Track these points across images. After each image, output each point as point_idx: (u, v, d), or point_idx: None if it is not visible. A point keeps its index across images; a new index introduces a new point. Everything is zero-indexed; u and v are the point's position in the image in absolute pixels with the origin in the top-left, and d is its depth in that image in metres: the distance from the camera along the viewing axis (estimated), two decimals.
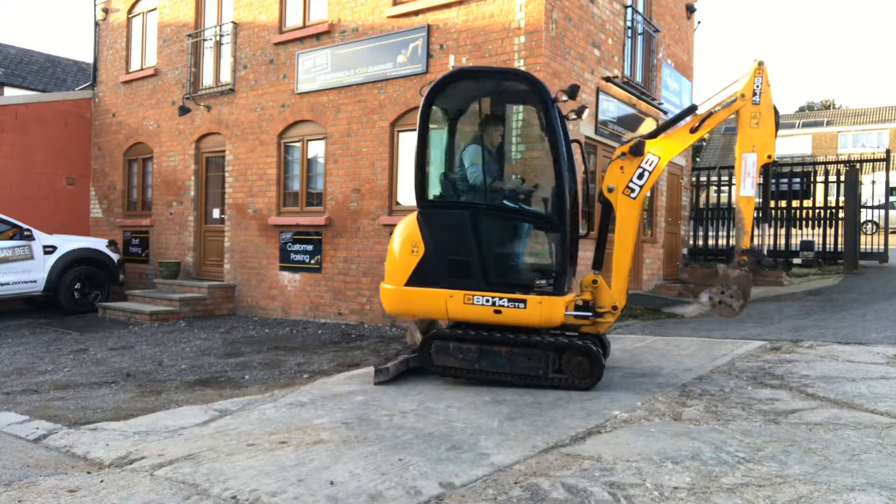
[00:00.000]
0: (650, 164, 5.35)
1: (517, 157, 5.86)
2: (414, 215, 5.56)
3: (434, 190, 5.66)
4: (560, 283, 5.24)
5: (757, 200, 5.51)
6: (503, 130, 5.96)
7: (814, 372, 5.45)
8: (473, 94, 5.86)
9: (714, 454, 3.61)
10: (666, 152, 5.45)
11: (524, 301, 5.16)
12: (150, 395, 5.97)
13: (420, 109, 5.52)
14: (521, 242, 5.66)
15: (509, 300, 5.18)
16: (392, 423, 4.42)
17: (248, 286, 11.55)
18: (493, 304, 5.20)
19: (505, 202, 5.60)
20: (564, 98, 5.38)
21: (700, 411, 4.47)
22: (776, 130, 5.57)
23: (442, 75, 5.64)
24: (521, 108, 5.88)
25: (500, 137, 5.96)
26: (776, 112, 5.55)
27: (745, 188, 5.45)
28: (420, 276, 5.39)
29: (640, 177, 5.36)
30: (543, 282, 5.22)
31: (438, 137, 5.82)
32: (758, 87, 5.45)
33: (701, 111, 5.51)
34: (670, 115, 12.57)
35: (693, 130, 5.53)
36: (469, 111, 6.00)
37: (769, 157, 5.53)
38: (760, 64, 5.49)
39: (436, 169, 5.78)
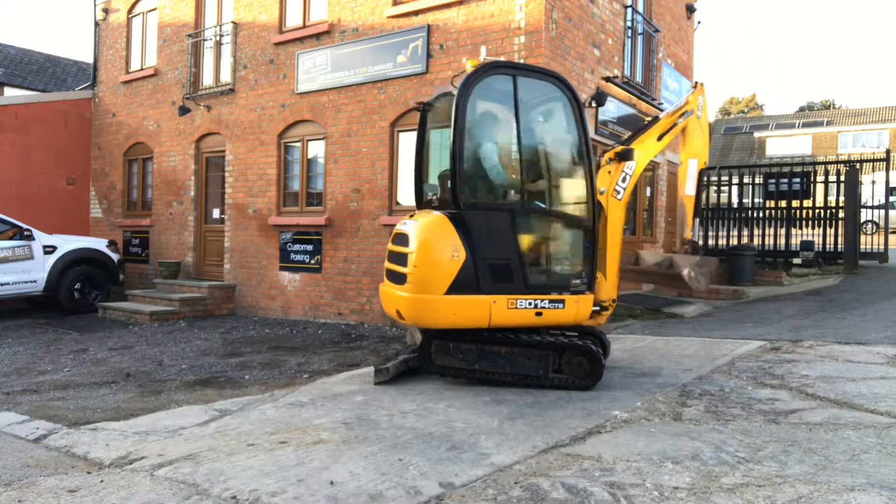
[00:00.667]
0: (630, 169, 5.82)
1: (544, 157, 5.78)
2: (440, 217, 5.20)
3: (475, 190, 5.36)
4: (592, 281, 5.43)
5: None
6: (529, 129, 5.79)
7: (814, 372, 5.45)
8: (505, 89, 5.52)
9: (714, 454, 3.61)
10: (642, 158, 5.98)
11: (563, 301, 5.28)
12: (150, 395, 5.97)
13: (456, 101, 5.19)
14: (559, 243, 5.69)
15: (550, 301, 5.25)
16: (392, 423, 4.42)
17: (248, 286, 11.56)
18: (536, 306, 5.21)
19: (538, 203, 5.59)
20: (593, 104, 5.70)
21: (700, 411, 4.47)
22: (709, 141, 6.77)
23: (478, 65, 5.33)
24: (550, 108, 5.74)
25: (527, 137, 5.85)
26: (710, 126, 6.77)
27: (689, 188, 6.55)
28: (462, 283, 5.04)
29: (624, 180, 5.80)
30: (578, 281, 5.40)
31: (469, 134, 5.40)
32: (700, 104, 6.52)
33: (662, 122, 6.28)
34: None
35: (659, 138, 6.26)
36: (496, 107, 5.72)
37: (705, 162, 6.71)
38: (701, 85, 6.63)
39: (471, 168, 5.42)
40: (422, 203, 5.92)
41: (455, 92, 5.50)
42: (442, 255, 5.06)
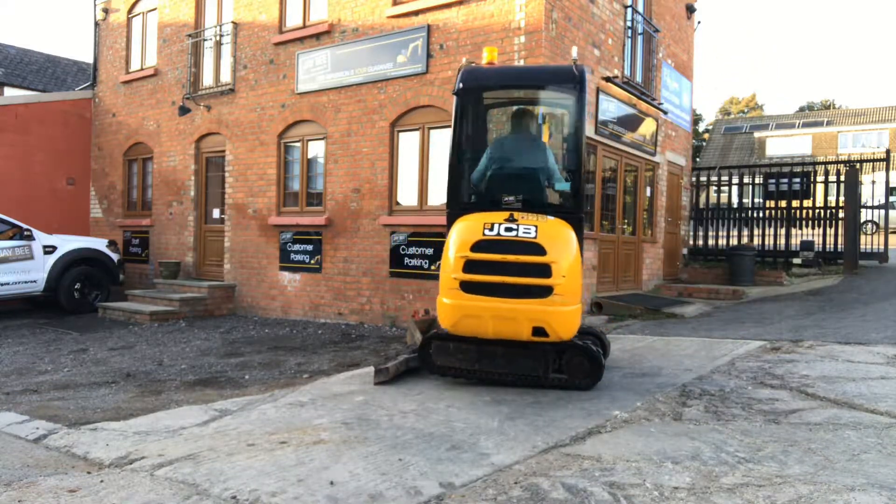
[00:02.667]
0: None
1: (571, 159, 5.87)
2: (561, 222, 5.04)
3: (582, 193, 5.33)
4: None
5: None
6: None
7: (814, 372, 5.45)
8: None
9: (714, 454, 3.60)
10: None
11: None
12: (150, 395, 5.97)
13: (577, 98, 5.22)
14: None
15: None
16: (392, 423, 4.42)
17: (248, 286, 11.55)
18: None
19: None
20: None
21: (700, 411, 4.47)
22: None
23: (576, 63, 5.36)
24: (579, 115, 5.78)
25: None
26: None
27: None
28: (581, 290, 5.16)
29: None
30: None
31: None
32: None
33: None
34: (670, 115, 12.61)
35: None
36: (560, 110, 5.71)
37: None
38: None
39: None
40: (457, 203, 5.44)
41: (451, 87, 5.55)
42: (579, 262, 4.97)
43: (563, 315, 4.81)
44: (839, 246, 13.11)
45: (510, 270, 4.84)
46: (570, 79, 5.29)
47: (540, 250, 4.79)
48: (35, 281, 11.23)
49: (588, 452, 3.71)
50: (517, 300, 4.84)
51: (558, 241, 4.88)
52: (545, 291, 4.79)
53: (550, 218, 5.02)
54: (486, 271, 4.90)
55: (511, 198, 5.16)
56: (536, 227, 4.87)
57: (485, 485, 3.29)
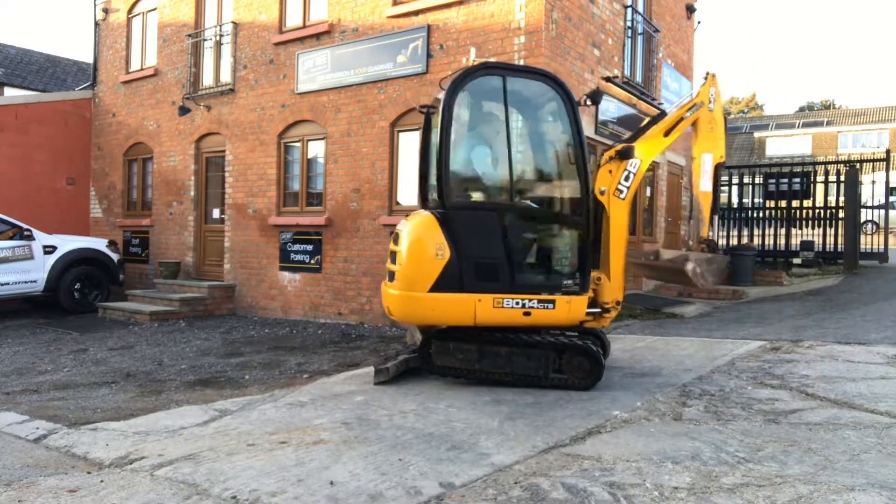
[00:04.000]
0: (634, 167, 5.68)
1: (536, 156, 5.79)
2: (428, 216, 5.28)
3: (463, 190, 5.45)
4: (585, 282, 5.39)
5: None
6: (520, 129, 5.80)
7: (814, 372, 5.45)
8: (495, 89, 5.50)
9: (714, 454, 3.61)
10: (647, 155, 5.85)
11: (553, 301, 5.24)
12: (150, 395, 5.97)
13: (443, 103, 5.24)
14: (549, 243, 5.67)
15: (539, 301, 5.22)
16: (392, 423, 4.42)
17: (248, 286, 11.55)
18: (523, 305, 5.19)
19: (528, 202, 5.58)
20: (588, 103, 5.66)
21: (700, 411, 4.47)
22: (724, 135, 6.57)
23: (465, 67, 5.39)
24: (543, 107, 5.73)
25: (518, 137, 5.79)
26: (725, 119, 6.47)
27: (704, 184, 6.46)
28: (446, 281, 5.10)
29: (627, 179, 5.66)
30: (570, 281, 5.37)
31: (457, 134, 5.48)
32: (712, 96, 6.38)
33: (670, 117, 6.14)
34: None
35: (666, 134, 6.13)
36: (486, 107, 5.74)
37: (721, 157, 6.56)
38: (713, 76, 6.42)
39: (459, 168, 5.54)
40: (425, 204, 5.90)
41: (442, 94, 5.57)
42: (426, 253, 5.15)
43: (396, 298, 5.28)
44: (839, 246, 13.11)
45: (392, 258, 5.48)
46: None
47: (398, 241, 5.37)
48: (35, 281, 11.23)
49: (588, 452, 3.71)
50: (386, 283, 5.61)
51: (409, 232, 5.31)
52: (393, 276, 5.38)
53: (424, 213, 5.39)
54: (390, 258, 5.60)
55: (433, 196, 5.56)
56: (407, 221, 5.44)
57: (485, 485, 3.29)
